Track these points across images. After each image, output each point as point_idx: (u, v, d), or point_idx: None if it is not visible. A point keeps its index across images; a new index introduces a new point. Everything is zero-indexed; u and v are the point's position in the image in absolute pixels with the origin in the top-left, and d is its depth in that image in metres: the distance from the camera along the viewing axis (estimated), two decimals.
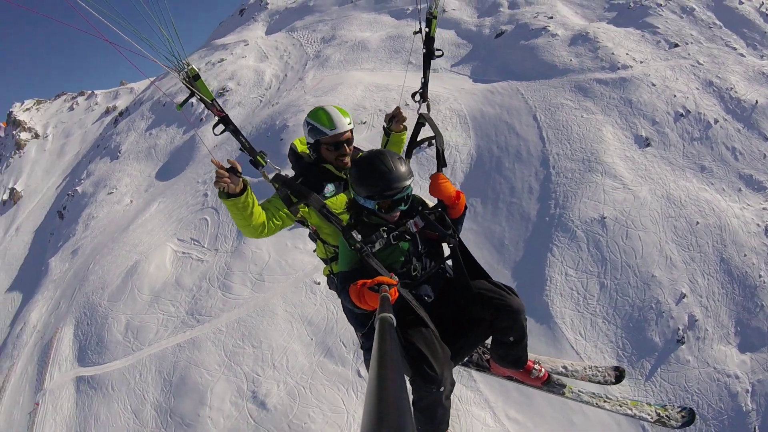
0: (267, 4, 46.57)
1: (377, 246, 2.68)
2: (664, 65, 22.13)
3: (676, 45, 23.27)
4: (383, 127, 3.76)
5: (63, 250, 30.26)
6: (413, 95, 3.65)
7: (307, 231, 3.40)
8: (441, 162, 3.32)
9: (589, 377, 3.63)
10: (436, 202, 3.07)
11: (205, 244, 21.23)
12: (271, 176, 2.92)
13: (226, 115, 2.88)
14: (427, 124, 3.56)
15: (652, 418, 3.53)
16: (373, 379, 0.84)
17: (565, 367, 3.65)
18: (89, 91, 72.57)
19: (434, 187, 2.99)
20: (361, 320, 3.05)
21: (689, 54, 22.58)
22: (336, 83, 27.00)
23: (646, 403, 3.62)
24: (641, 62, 22.42)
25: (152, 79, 46.99)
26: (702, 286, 15.16)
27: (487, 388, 14.28)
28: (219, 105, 2.82)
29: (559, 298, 15.69)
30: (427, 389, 2.58)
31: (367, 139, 21.96)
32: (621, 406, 3.57)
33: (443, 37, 30.13)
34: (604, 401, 3.59)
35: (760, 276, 15.02)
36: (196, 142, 31.52)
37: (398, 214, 2.81)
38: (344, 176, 3.25)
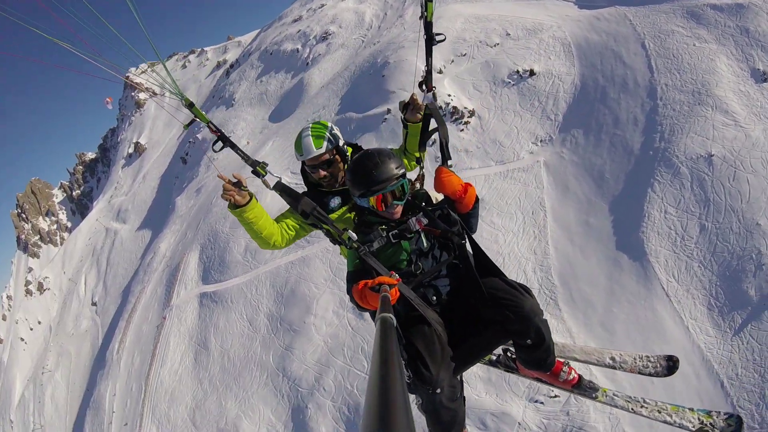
0: None
1: (376, 245, 2.74)
2: None
3: None
4: (401, 118, 3.71)
5: (188, 190, 34.70)
6: (420, 85, 3.58)
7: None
8: (445, 155, 3.22)
9: (639, 368, 3.53)
10: (442, 197, 3.06)
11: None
12: (272, 185, 3.05)
13: (223, 133, 3.11)
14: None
15: (693, 426, 3.39)
16: (373, 379, 0.86)
17: (612, 359, 3.56)
18: (199, 49, 78.81)
19: (438, 182, 2.97)
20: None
21: None
22: (436, 17, 27.31)
23: (689, 409, 3.47)
24: None
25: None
26: None
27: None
28: (215, 126, 3.07)
29: (656, 236, 15.55)
30: (424, 391, 2.58)
31: (468, 71, 22.56)
32: (660, 412, 3.45)
33: None
34: (641, 406, 3.49)
35: None
36: (304, 84, 33.98)
37: (399, 209, 2.83)
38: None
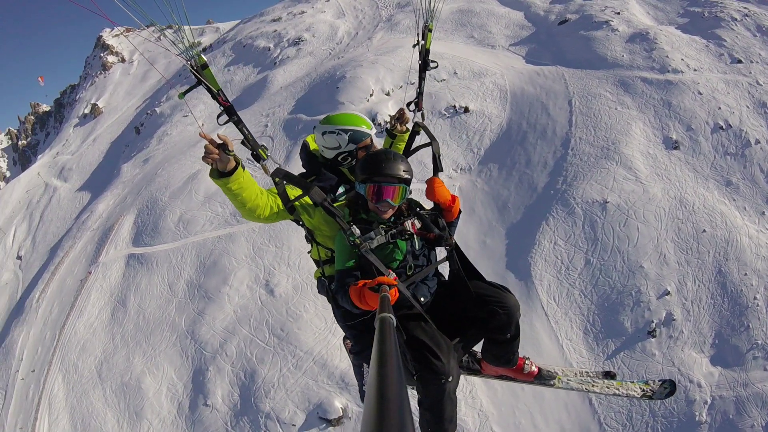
0: None
1: (375, 242, 2.76)
2: (718, 77, 22.43)
3: (740, 61, 23.31)
4: (386, 129, 3.96)
5: (136, 159, 35.63)
6: (408, 105, 3.90)
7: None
8: (437, 167, 3.39)
9: (576, 377, 3.88)
10: (432, 205, 3.22)
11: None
12: (271, 170, 2.97)
13: (231, 105, 2.92)
14: (422, 132, 3.75)
15: (638, 394, 3.81)
16: (373, 379, 0.87)
17: (556, 373, 3.86)
18: (177, 26, 79.16)
19: (431, 191, 3.10)
20: (351, 323, 3.18)
21: (750, 72, 22.62)
22: (397, 46, 29.98)
23: (630, 382, 3.90)
24: (695, 70, 22.92)
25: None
26: (690, 289, 15.78)
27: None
28: (224, 95, 2.88)
29: (543, 262, 17.55)
30: (435, 382, 2.65)
31: (412, 98, 25.05)
32: (609, 388, 3.81)
33: (511, 17, 32.43)
34: (593, 385, 3.82)
35: (755, 298, 15.17)
36: (267, 82, 35.80)
37: (390, 211, 2.92)
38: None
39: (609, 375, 3.89)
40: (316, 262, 3.44)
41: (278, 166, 3.07)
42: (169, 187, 25.84)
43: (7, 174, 79.99)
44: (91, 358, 20.86)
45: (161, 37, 3.04)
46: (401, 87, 26.34)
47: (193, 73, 2.75)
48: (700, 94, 21.51)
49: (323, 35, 39.72)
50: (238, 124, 2.96)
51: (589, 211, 18.16)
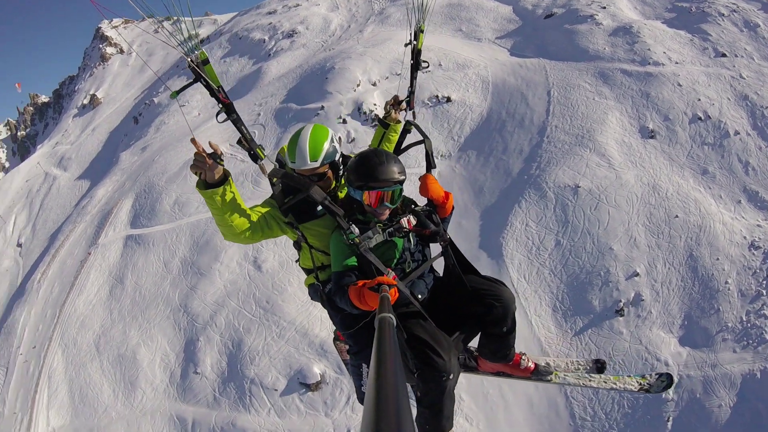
0: None
1: (374, 241, 2.80)
2: (700, 70, 23.18)
3: (724, 55, 23.91)
4: (378, 119, 3.87)
5: (134, 147, 37.22)
6: (400, 103, 3.86)
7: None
8: (430, 164, 3.42)
9: (572, 371, 3.89)
10: (426, 202, 3.21)
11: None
12: (269, 170, 2.93)
13: (231, 102, 2.86)
14: (413, 130, 3.71)
15: (635, 388, 3.83)
16: (372, 379, 0.88)
17: (548, 364, 3.86)
18: (175, 17, 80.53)
19: (424, 188, 3.11)
20: (348, 324, 3.14)
21: (734, 66, 23.21)
22: (386, 38, 31.53)
23: (627, 376, 3.93)
24: (676, 63, 23.81)
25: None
26: (660, 272, 16.50)
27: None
28: (225, 92, 2.81)
29: (514, 242, 18.69)
30: (436, 379, 2.69)
31: (397, 88, 26.46)
32: (606, 383, 3.80)
33: (499, 11, 33.81)
34: (590, 380, 3.83)
35: (726, 282, 15.80)
36: (261, 73, 37.36)
37: (387, 212, 2.92)
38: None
39: (599, 363, 3.91)
40: (307, 271, 3.39)
41: (275, 165, 3.10)
42: (166, 172, 27.45)
43: (6, 164, 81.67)
44: (89, 333, 22.42)
45: (159, 30, 3.04)
46: (387, 78, 27.80)
47: (193, 70, 2.70)
48: (679, 85, 22.37)
49: (317, 28, 41.44)
50: (237, 122, 2.94)
51: (561, 195, 19.23)
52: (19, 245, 44.95)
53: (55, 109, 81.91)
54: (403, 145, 3.82)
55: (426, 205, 3.18)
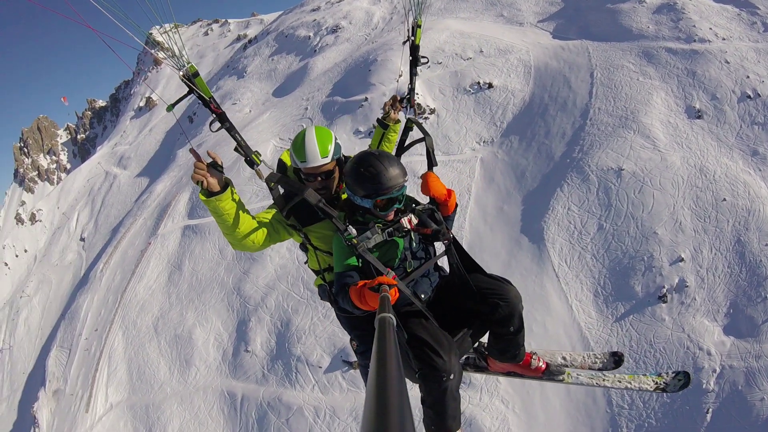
0: None
1: (373, 242, 2.81)
2: (748, 46, 22.39)
3: None
4: (378, 119, 3.87)
5: (190, 144, 39.27)
6: (401, 101, 3.84)
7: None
8: (431, 162, 3.41)
9: (588, 365, 3.82)
10: (428, 200, 3.20)
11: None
12: (265, 175, 2.99)
13: (223, 112, 2.92)
14: (414, 127, 3.72)
15: (651, 388, 3.76)
16: (373, 379, 0.88)
17: (564, 358, 3.82)
18: (223, 20, 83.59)
19: (425, 186, 3.13)
20: (354, 324, 3.23)
21: None
22: (427, 28, 31.74)
23: (642, 375, 3.83)
24: (723, 39, 23.09)
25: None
26: (706, 257, 16.06)
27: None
28: (216, 102, 2.86)
29: (556, 226, 18.66)
30: (436, 379, 2.69)
31: (439, 77, 27.00)
32: (620, 382, 3.75)
33: None
34: (603, 380, 3.77)
35: None
36: (308, 68, 38.66)
37: (392, 213, 2.93)
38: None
39: (616, 355, 3.79)
40: (316, 272, 3.41)
41: (271, 170, 3.11)
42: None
43: (68, 166, 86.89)
44: (148, 316, 24.13)
45: (153, 51, 3.25)
46: (429, 67, 28.23)
47: (185, 82, 2.78)
48: (727, 62, 21.71)
49: (360, 22, 42.43)
50: (231, 130, 2.97)
51: (603, 178, 19.09)
52: (82, 239, 48.15)
53: (113, 112, 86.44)
54: (406, 143, 3.79)
55: (428, 203, 3.16)
